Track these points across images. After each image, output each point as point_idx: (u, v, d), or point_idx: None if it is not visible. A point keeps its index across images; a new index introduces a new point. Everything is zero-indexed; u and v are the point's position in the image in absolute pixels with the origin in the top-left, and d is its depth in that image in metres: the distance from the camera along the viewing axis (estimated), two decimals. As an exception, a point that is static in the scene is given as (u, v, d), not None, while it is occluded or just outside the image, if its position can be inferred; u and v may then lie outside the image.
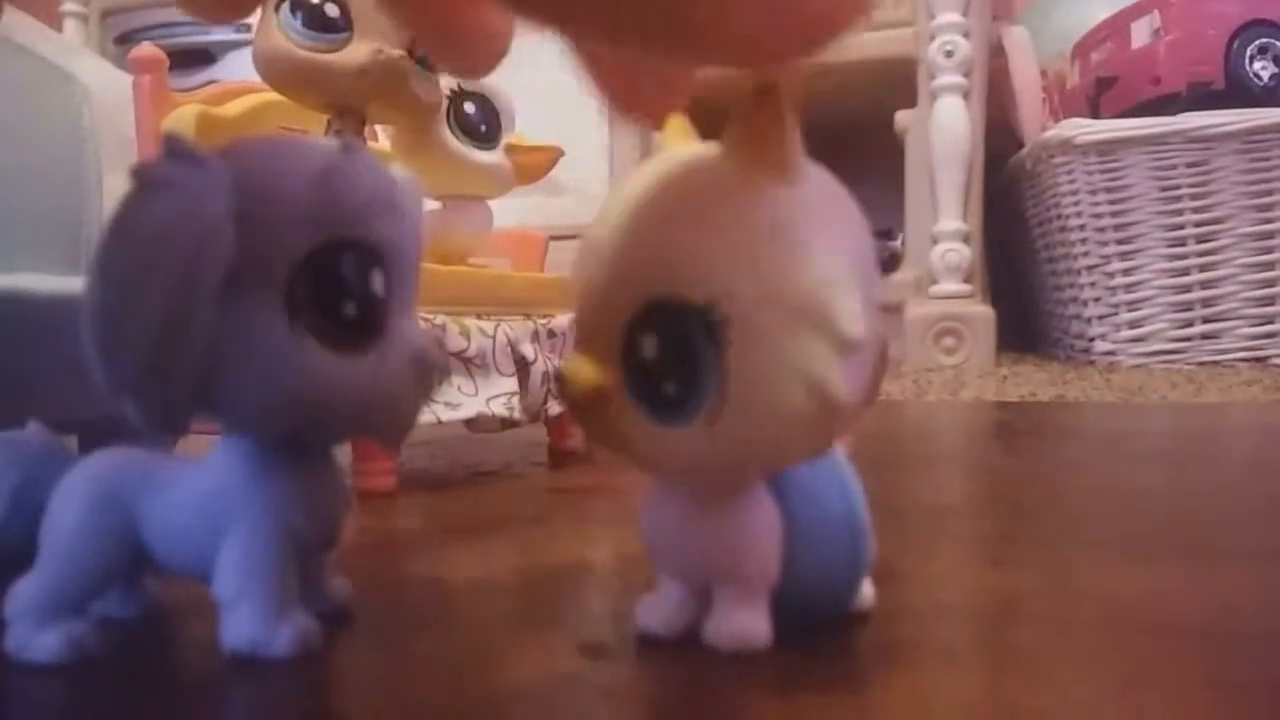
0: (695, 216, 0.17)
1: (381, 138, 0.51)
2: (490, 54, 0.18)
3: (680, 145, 0.19)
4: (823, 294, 0.17)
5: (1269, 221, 1.08)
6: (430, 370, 0.21)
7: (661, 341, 0.17)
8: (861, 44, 1.26)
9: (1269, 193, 1.08)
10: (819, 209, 0.18)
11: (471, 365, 0.44)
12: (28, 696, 0.19)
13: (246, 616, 0.20)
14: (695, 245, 0.17)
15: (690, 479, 0.20)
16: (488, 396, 0.44)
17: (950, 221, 1.21)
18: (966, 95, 1.21)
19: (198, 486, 0.20)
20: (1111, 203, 1.12)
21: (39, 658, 0.20)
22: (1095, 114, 1.21)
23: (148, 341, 0.18)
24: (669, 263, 0.17)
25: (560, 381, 0.19)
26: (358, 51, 0.40)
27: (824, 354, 0.17)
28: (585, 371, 0.18)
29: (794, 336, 0.17)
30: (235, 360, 0.19)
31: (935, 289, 1.21)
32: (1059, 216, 1.18)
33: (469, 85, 0.48)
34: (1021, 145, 1.27)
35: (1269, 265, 1.08)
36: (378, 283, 0.20)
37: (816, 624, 0.22)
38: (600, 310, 0.18)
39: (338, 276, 0.19)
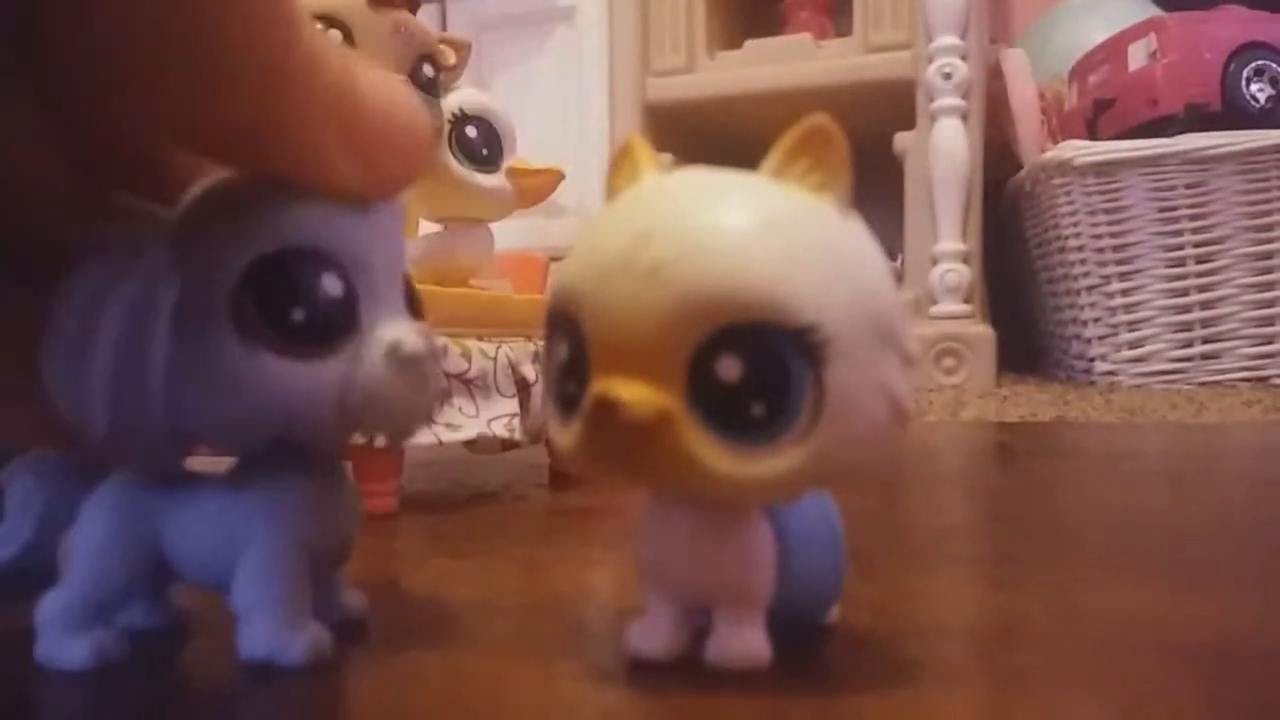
0: (782, 243, 0.18)
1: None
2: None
3: (655, 168, 0.20)
4: (894, 314, 0.18)
5: (1268, 242, 1.08)
6: (412, 360, 0.20)
7: (748, 364, 0.18)
8: (860, 67, 1.27)
9: (1267, 213, 1.08)
10: (868, 235, 0.19)
11: (473, 386, 0.44)
12: (55, 702, 0.20)
13: (262, 626, 0.20)
14: (790, 271, 0.17)
15: (758, 499, 0.20)
16: (489, 418, 0.44)
17: (949, 242, 1.21)
18: (965, 117, 1.21)
19: (216, 500, 0.21)
20: (1110, 223, 1.12)
21: (67, 665, 0.20)
22: (1093, 135, 1.22)
23: (109, 381, 0.18)
24: (757, 287, 0.17)
25: (609, 409, 0.18)
26: (360, 76, 0.40)
27: (898, 370, 0.18)
28: (647, 395, 0.18)
29: (877, 354, 0.18)
30: (195, 384, 0.19)
31: (935, 309, 1.21)
32: (1058, 237, 1.18)
33: (471, 109, 0.49)
34: (1020, 166, 1.28)
35: (1268, 285, 1.08)
36: (331, 285, 0.19)
37: (811, 642, 0.22)
38: (653, 337, 0.18)
39: (280, 284, 0.19)
